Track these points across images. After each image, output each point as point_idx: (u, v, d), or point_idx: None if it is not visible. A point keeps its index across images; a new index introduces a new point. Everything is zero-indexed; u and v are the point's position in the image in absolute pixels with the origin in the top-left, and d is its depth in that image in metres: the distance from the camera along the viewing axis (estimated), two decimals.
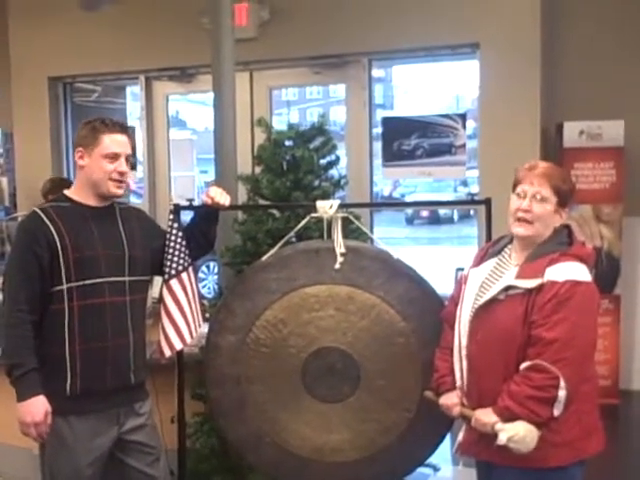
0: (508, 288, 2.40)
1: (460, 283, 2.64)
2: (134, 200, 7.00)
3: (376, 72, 6.81)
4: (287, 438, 2.94)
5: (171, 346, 2.88)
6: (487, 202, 2.97)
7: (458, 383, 2.54)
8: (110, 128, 2.68)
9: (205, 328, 3.07)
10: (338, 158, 3.58)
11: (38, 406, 2.55)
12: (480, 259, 2.59)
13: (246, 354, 2.92)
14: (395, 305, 2.85)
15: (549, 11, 5.46)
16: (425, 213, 17.24)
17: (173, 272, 2.85)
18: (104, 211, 2.73)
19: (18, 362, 2.54)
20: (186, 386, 3.23)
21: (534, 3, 5.32)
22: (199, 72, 6.47)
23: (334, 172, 3.57)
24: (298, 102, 20.01)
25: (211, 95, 4.00)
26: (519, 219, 2.42)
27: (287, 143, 3.47)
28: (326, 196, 3.32)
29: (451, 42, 5.62)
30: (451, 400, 2.56)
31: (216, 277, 4.28)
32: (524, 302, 2.35)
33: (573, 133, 5.28)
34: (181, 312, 2.88)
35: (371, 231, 5.62)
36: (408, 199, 16.56)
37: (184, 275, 2.88)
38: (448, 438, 2.94)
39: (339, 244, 2.86)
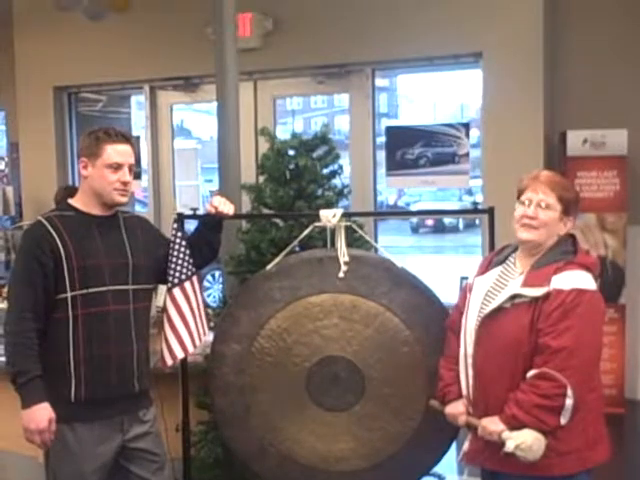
0: (514, 297, 2.40)
1: (465, 292, 2.64)
2: (139, 209, 7.03)
3: (381, 81, 6.85)
4: (292, 447, 2.94)
5: (173, 355, 2.89)
6: (490, 211, 2.98)
7: (464, 392, 2.54)
8: (113, 138, 2.69)
9: (210, 337, 3.07)
10: (341, 167, 3.59)
11: (42, 413, 2.55)
12: (485, 268, 2.60)
13: (251, 363, 2.92)
14: (399, 314, 2.85)
15: (551, 20, 5.47)
16: (430, 222, 17.23)
17: (176, 281, 2.86)
18: (108, 220, 2.74)
19: (22, 369, 2.55)
20: (191, 395, 3.23)
21: (537, 12, 5.33)
22: (203, 82, 6.49)
23: (337, 181, 3.57)
24: (303, 111, 20.05)
25: (215, 105, 4.02)
26: (524, 225, 2.43)
27: (290, 152, 3.49)
28: (329, 205, 3.32)
29: (454, 52, 5.64)
30: (457, 409, 2.56)
31: (221, 286, 4.29)
32: (530, 311, 2.35)
33: (577, 142, 5.28)
34: (183, 321, 2.89)
35: (375, 240, 5.62)
36: (413, 208, 16.56)
37: (187, 284, 2.89)
38: (453, 447, 2.93)
39: (343, 253, 2.87)
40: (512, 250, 2.56)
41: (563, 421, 2.29)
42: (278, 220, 3.48)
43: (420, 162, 5.73)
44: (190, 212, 3.08)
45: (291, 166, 3.48)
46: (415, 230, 17.53)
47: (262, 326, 2.90)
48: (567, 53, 5.55)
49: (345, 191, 3.58)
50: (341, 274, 2.85)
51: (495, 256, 2.61)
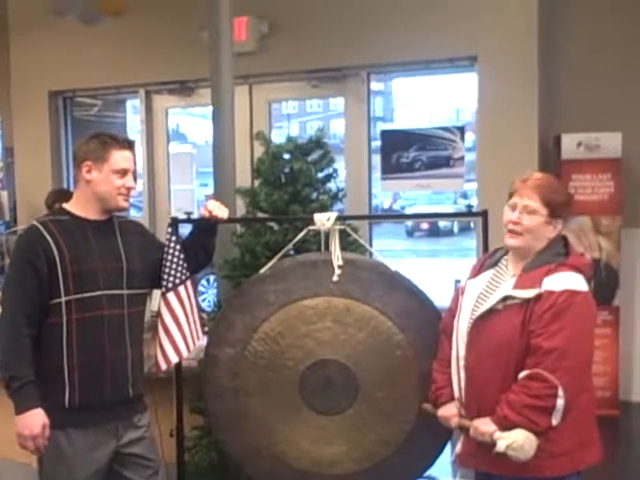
0: (506, 298, 2.41)
1: (457, 294, 2.65)
2: (134, 213, 7.01)
3: (376, 85, 6.84)
4: (285, 451, 2.94)
5: (167, 360, 2.88)
6: (484, 214, 2.98)
7: (456, 394, 2.55)
8: (120, 144, 2.71)
9: (204, 341, 3.07)
10: (336, 171, 3.60)
11: (36, 419, 2.55)
12: (477, 271, 2.61)
13: (244, 367, 2.92)
14: (392, 317, 2.85)
15: (546, 24, 5.49)
16: (425, 225, 17.27)
17: (170, 285, 2.86)
18: (103, 224, 2.74)
19: (16, 375, 2.54)
20: (185, 399, 3.23)
21: (531, 16, 5.35)
22: (199, 86, 6.49)
23: (332, 185, 3.58)
24: (298, 115, 20.04)
25: (211, 109, 4.02)
26: (510, 231, 2.44)
27: (285, 156, 3.49)
28: (324, 209, 3.33)
29: (449, 55, 5.65)
30: (449, 411, 2.56)
31: (216, 290, 4.29)
32: (522, 312, 2.36)
33: (571, 145, 5.30)
34: (178, 325, 2.89)
35: (370, 243, 5.63)
36: (408, 211, 16.58)
37: (181, 288, 2.89)
38: (447, 450, 2.94)
39: (337, 256, 2.87)
40: (504, 253, 2.56)
41: (554, 422, 2.29)
42: (273, 224, 3.49)
43: (415, 166, 5.74)
44: (184, 216, 3.08)
45: (286, 170, 3.49)
46: (410, 234, 17.56)
47: (256, 330, 2.90)
48: (561, 57, 5.57)
49: (340, 195, 3.58)
50: (335, 278, 2.85)
51: (487, 259, 2.62)
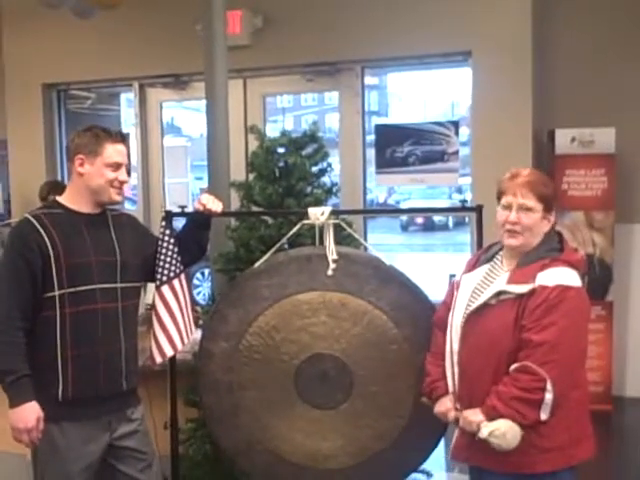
0: (500, 293, 2.41)
1: (452, 289, 2.66)
2: (128, 207, 7.00)
3: (371, 79, 6.85)
4: (280, 445, 2.95)
5: (162, 353, 2.89)
6: (478, 209, 2.98)
7: (450, 388, 2.55)
8: (113, 138, 2.70)
9: (198, 334, 3.07)
10: (330, 165, 3.59)
11: (30, 412, 2.55)
12: (472, 265, 2.61)
13: (239, 361, 2.93)
14: (387, 311, 2.86)
15: (540, 19, 5.49)
16: (420, 220, 17.30)
17: (165, 279, 2.86)
18: (96, 218, 2.73)
19: (10, 368, 2.54)
20: (179, 392, 3.23)
21: (525, 11, 5.35)
22: (193, 79, 6.47)
23: (326, 179, 3.58)
24: (293, 109, 20.04)
25: (205, 102, 4.01)
26: (508, 231, 2.44)
27: (280, 150, 3.49)
28: (318, 203, 3.33)
29: (443, 50, 5.65)
30: (445, 406, 2.56)
31: (210, 284, 4.29)
32: (515, 307, 2.36)
33: (565, 140, 5.31)
34: (172, 319, 2.89)
35: (365, 238, 5.63)
36: (403, 206, 16.59)
37: (175, 282, 2.89)
38: (441, 444, 2.95)
39: (331, 251, 2.88)
40: (499, 248, 2.57)
41: (544, 416, 2.30)
42: (267, 218, 3.48)
43: (409, 160, 5.74)
44: (179, 210, 3.08)
45: (280, 164, 3.48)
46: (405, 228, 17.58)
47: (250, 324, 2.90)
48: (556, 52, 5.57)
49: (334, 189, 3.58)
50: (329, 272, 2.86)
51: (483, 254, 2.63)
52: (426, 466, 3.22)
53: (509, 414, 2.30)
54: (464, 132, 6.33)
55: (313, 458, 2.94)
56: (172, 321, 2.89)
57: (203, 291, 7.37)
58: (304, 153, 3.49)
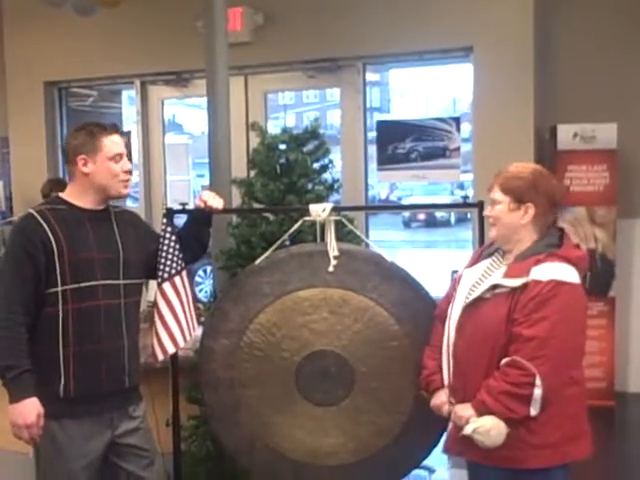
0: (494, 287, 2.42)
1: (454, 283, 2.67)
2: (130, 204, 7.00)
3: (372, 76, 6.84)
4: (281, 442, 2.95)
5: (164, 350, 2.88)
6: (480, 205, 2.98)
7: (446, 381, 2.56)
8: (108, 130, 2.70)
9: (200, 332, 3.07)
10: (332, 161, 3.59)
11: (30, 408, 2.54)
12: (475, 260, 2.63)
13: (240, 358, 2.93)
14: (389, 308, 2.85)
15: (542, 15, 5.47)
16: (422, 216, 17.27)
17: (166, 276, 2.86)
18: (99, 214, 2.73)
19: (11, 364, 2.53)
20: (181, 389, 3.24)
21: (527, 6, 5.34)
22: (194, 76, 6.47)
23: (328, 176, 3.58)
24: (295, 106, 20.03)
25: (207, 99, 4.01)
26: (489, 224, 2.54)
27: (281, 147, 3.49)
28: (320, 199, 3.33)
29: (445, 46, 5.64)
30: (440, 399, 2.58)
31: (212, 281, 4.29)
32: (508, 301, 2.37)
33: (567, 136, 5.30)
34: (174, 316, 2.89)
35: (367, 234, 5.63)
36: (405, 202, 16.57)
37: (177, 279, 2.89)
38: (443, 440, 2.94)
39: (332, 247, 2.87)
40: None
41: (533, 412, 2.30)
42: (268, 214, 3.48)
43: (411, 156, 5.74)
44: (180, 207, 3.08)
45: (282, 160, 3.48)
46: (407, 224, 17.56)
47: (251, 320, 2.90)
48: (557, 47, 5.56)
49: (336, 185, 3.58)
50: (331, 268, 2.86)
51: (486, 249, 2.65)
52: (428, 462, 3.22)
53: (498, 409, 2.30)
54: (466, 128, 6.32)
55: (314, 455, 2.93)
56: (174, 318, 2.88)
57: (205, 288, 7.38)
58: (305, 150, 3.49)
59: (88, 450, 2.65)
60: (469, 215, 8.59)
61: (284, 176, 3.45)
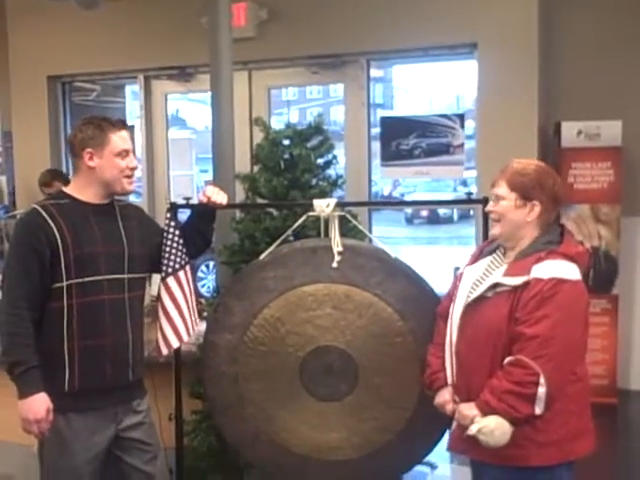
0: (496, 285, 2.41)
1: (456, 280, 2.66)
2: (133, 199, 7.00)
3: (376, 72, 6.82)
4: (285, 437, 2.95)
5: (168, 344, 2.89)
6: (484, 201, 2.97)
7: (449, 379, 2.56)
8: (117, 126, 2.70)
9: (203, 326, 3.08)
10: (335, 157, 3.59)
11: (40, 403, 2.54)
12: (475, 257, 2.62)
13: (244, 353, 2.93)
14: (393, 304, 2.85)
15: (547, 11, 5.46)
16: (425, 213, 17.24)
17: (170, 270, 2.86)
18: (104, 208, 2.73)
19: (19, 359, 2.53)
20: (184, 384, 3.24)
21: (532, 4, 5.32)
22: (198, 71, 6.47)
23: (331, 171, 3.58)
24: (298, 102, 20.00)
25: (210, 94, 4.00)
26: (492, 220, 2.51)
27: (285, 142, 3.49)
28: (323, 195, 3.32)
29: (449, 42, 5.62)
30: (443, 398, 2.57)
31: (215, 276, 4.29)
32: (510, 300, 2.35)
33: (571, 133, 5.29)
34: (178, 310, 2.89)
35: (370, 230, 5.62)
36: (408, 199, 16.55)
37: (181, 273, 2.89)
38: (446, 436, 2.94)
39: (336, 242, 2.87)
40: None
41: (538, 410, 2.28)
42: (272, 210, 3.48)
43: (415, 153, 5.73)
44: (184, 202, 3.07)
45: (285, 156, 3.48)
46: (409, 221, 17.54)
47: (255, 316, 2.90)
48: (562, 44, 5.55)
49: (339, 181, 3.58)
50: (335, 264, 2.85)
51: (486, 246, 2.63)
52: (430, 458, 3.23)
53: (502, 409, 2.28)
54: (469, 125, 6.31)
55: (318, 450, 2.94)
56: (178, 313, 2.89)
57: (207, 284, 7.38)
58: (309, 145, 3.49)
59: (92, 444, 2.65)
60: (472, 212, 8.59)
61: (288, 171, 3.45)
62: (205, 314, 3.44)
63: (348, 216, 3.10)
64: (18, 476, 3.89)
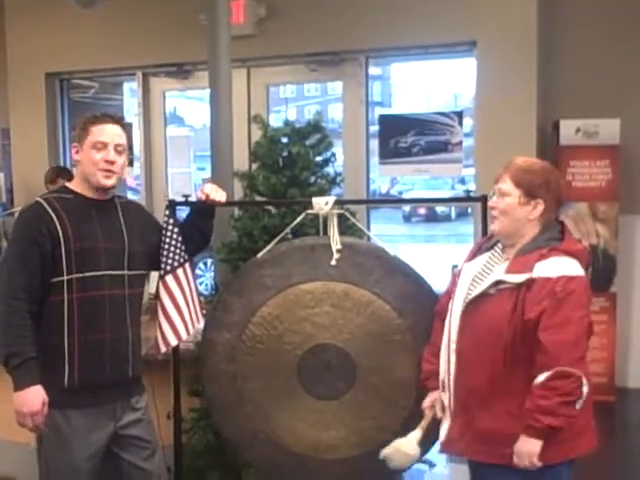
0: (498, 283, 2.40)
1: (454, 277, 2.65)
2: (131, 196, 7.00)
3: (374, 70, 6.81)
4: (282, 435, 2.94)
5: (166, 342, 2.89)
6: (483, 199, 2.97)
7: (442, 377, 2.55)
8: (99, 119, 2.68)
9: (202, 324, 3.07)
10: (334, 155, 3.58)
11: (35, 396, 2.53)
12: (474, 254, 2.61)
13: (242, 351, 2.92)
14: (391, 302, 2.85)
15: (546, 9, 5.46)
16: (422, 211, 17.24)
17: (169, 268, 2.85)
18: (106, 204, 2.73)
19: (16, 351, 2.52)
20: (183, 382, 3.23)
21: (531, 2, 5.32)
22: (196, 69, 6.47)
23: (330, 169, 3.57)
24: (296, 99, 19.96)
25: (209, 92, 4.00)
26: (492, 216, 2.49)
27: (283, 140, 3.48)
28: (322, 193, 3.32)
29: (448, 40, 5.63)
30: (429, 400, 2.64)
31: (213, 274, 4.29)
32: (513, 297, 2.35)
33: (569, 131, 5.29)
34: (176, 308, 2.88)
35: (368, 228, 5.61)
36: (406, 197, 16.54)
37: (180, 271, 2.88)
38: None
39: (335, 240, 2.87)
40: None
41: (578, 407, 2.29)
42: (271, 207, 3.48)
43: (413, 150, 5.73)
44: (182, 199, 3.07)
45: (284, 153, 3.47)
46: (407, 219, 17.54)
47: (253, 314, 2.90)
48: (561, 42, 5.55)
49: (338, 179, 3.58)
50: (333, 262, 2.85)
51: (484, 243, 2.62)
52: (428, 456, 3.22)
53: (561, 423, 2.28)
54: (468, 123, 6.31)
55: (316, 448, 2.94)
56: (176, 310, 2.88)
57: (205, 281, 7.37)
58: (308, 143, 3.48)
59: (91, 441, 2.65)
60: (470, 210, 8.59)
61: (286, 169, 3.44)
62: (203, 312, 3.43)
63: (347, 214, 3.10)
64: (16, 474, 3.88)
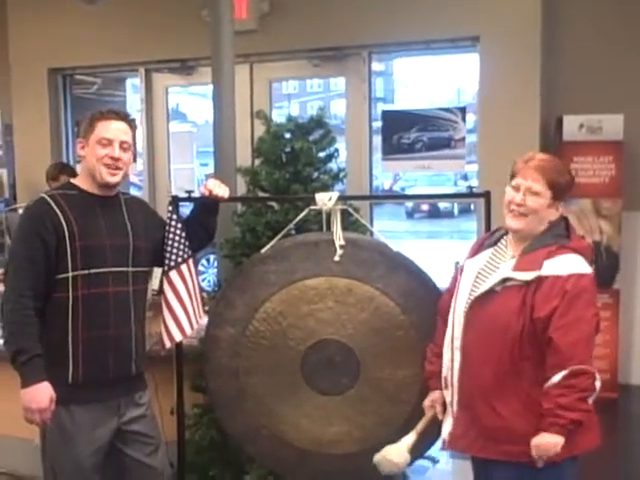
0: (505, 280, 2.39)
1: (456, 274, 2.63)
2: (134, 192, 7.00)
3: (377, 66, 6.81)
4: (286, 430, 2.95)
5: (171, 338, 2.89)
6: (486, 195, 2.97)
7: (445, 374, 2.54)
8: (105, 115, 2.68)
9: (205, 320, 3.07)
10: (337, 151, 3.58)
11: (43, 392, 2.54)
12: (476, 250, 2.59)
13: (245, 346, 2.93)
14: (394, 298, 2.85)
15: (549, 5, 5.45)
16: (425, 207, 17.22)
17: (172, 264, 2.85)
18: (110, 200, 2.73)
19: (22, 348, 2.52)
20: (186, 378, 3.24)
21: None
22: (199, 64, 6.45)
23: (333, 165, 3.57)
24: (299, 95, 19.98)
25: (211, 87, 3.99)
26: (512, 211, 2.41)
27: (286, 135, 3.48)
28: (325, 188, 3.32)
29: (451, 35, 5.61)
30: (429, 400, 2.64)
31: (216, 270, 4.29)
32: (520, 294, 2.34)
33: (573, 127, 5.28)
34: (181, 304, 2.88)
35: (371, 224, 5.61)
36: (408, 193, 16.52)
37: (184, 267, 2.88)
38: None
39: (338, 236, 2.87)
40: (504, 233, 2.54)
41: (590, 401, 2.31)
42: (274, 203, 3.47)
43: (416, 146, 5.71)
44: (185, 195, 3.06)
45: (287, 149, 3.47)
46: (410, 215, 17.52)
47: (257, 309, 2.90)
48: (564, 38, 5.53)
49: (341, 175, 3.57)
50: (337, 257, 2.85)
51: (487, 239, 2.60)
52: (431, 452, 3.22)
53: (582, 417, 2.30)
54: (471, 119, 6.30)
55: (319, 443, 2.94)
56: (180, 306, 2.88)
57: (208, 277, 7.38)
58: (311, 139, 3.48)
59: (95, 437, 2.65)
60: (472, 206, 8.58)
61: (289, 165, 3.44)
62: (207, 308, 3.43)
63: (350, 210, 3.09)
64: (20, 470, 3.89)
